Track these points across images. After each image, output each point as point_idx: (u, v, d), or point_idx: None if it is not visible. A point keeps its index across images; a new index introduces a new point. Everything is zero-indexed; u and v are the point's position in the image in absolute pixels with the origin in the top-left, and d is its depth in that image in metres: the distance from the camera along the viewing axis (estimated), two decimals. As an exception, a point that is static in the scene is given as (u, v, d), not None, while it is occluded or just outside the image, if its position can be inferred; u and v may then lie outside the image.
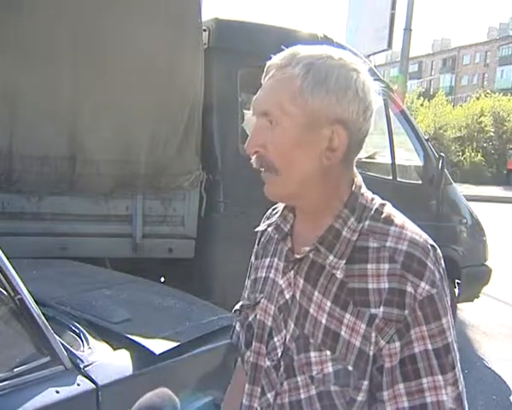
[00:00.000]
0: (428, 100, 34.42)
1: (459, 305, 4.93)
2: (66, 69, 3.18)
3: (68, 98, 3.20)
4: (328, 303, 0.95)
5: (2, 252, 1.55)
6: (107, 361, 1.72)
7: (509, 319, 5.82)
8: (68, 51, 3.18)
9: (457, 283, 4.62)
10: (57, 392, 1.50)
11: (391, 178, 4.33)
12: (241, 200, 3.64)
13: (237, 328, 1.16)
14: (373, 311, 0.90)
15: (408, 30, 10.76)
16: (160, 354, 1.78)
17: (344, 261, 0.95)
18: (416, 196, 4.42)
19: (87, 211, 3.39)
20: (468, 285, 4.69)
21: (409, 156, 4.83)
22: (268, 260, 1.10)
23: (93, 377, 1.60)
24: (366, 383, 0.91)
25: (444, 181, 4.43)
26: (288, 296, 1.01)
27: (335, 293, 0.94)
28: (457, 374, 0.91)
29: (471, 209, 4.91)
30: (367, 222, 0.96)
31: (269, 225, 1.11)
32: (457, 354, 0.92)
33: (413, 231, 0.95)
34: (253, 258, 1.18)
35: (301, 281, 0.99)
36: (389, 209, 0.99)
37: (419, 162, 4.60)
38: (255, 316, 1.07)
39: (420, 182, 4.59)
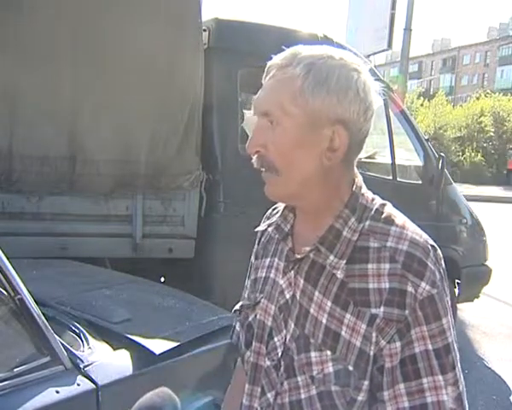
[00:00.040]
0: (428, 100, 34.42)
1: (459, 305, 4.93)
2: (66, 69, 3.18)
3: (68, 98, 3.20)
4: (329, 303, 0.95)
5: (2, 252, 1.55)
6: (107, 361, 1.72)
7: (509, 319, 5.82)
8: (68, 51, 3.18)
9: (457, 283, 4.62)
10: (57, 392, 1.50)
11: (391, 178, 4.33)
12: (241, 200, 3.64)
13: (237, 328, 1.17)
14: (373, 311, 0.90)
15: (408, 30, 10.76)
16: (160, 354, 1.78)
17: (344, 261, 0.95)
18: (415, 196, 4.42)
19: (87, 211, 3.39)
20: (468, 285, 4.69)
21: (409, 156, 4.83)
22: (268, 260, 1.10)
23: (93, 377, 1.60)
24: (366, 383, 0.92)
25: (444, 181, 4.43)
26: (288, 296, 1.01)
27: (336, 293, 0.94)
28: (458, 374, 0.91)
29: (471, 209, 4.91)
30: (367, 222, 0.97)
31: (269, 225, 1.11)
32: (458, 354, 0.92)
33: (413, 231, 0.95)
34: (252, 258, 1.18)
35: (302, 281, 0.99)
36: (390, 209, 0.99)
37: (419, 162, 4.60)
38: (255, 316, 1.07)
39: (420, 182, 4.59)
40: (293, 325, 0.99)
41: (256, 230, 1.18)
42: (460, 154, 27.90)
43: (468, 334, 5.31)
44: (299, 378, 0.97)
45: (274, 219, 1.10)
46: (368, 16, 11.79)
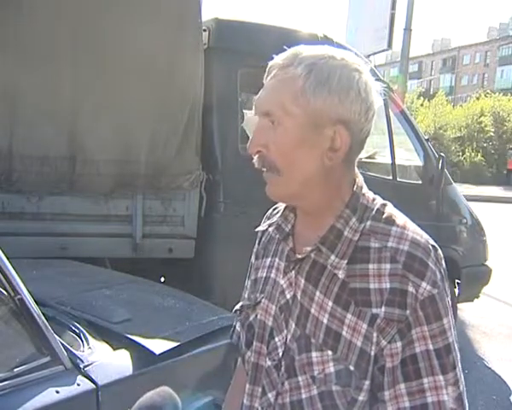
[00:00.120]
0: (428, 100, 34.42)
1: (459, 305, 4.93)
2: (66, 69, 3.18)
3: (68, 98, 3.20)
4: (330, 303, 0.95)
5: (3, 252, 1.55)
6: (107, 361, 1.72)
7: (509, 319, 5.82)
8: (68, 51, 3.18)
9: (457, 283, 4.62)
10: (57, 392, 1.50)
11: (391, 178, 4.33)
12: (241, 200, 3.64)
13: (238, 328, 1.17)
14: (374, 311, 0.90)
15: (408, 30, 10.76)
16: (160, 354, 1.78)
17: (345, 261, 0.95)
18: (416, 196, 4.42)
19: (87, 211, 3.39)
20: (468, 285, 4.69)
21: (409, 156, 4.83)
22: (269, 260, 1.10)
23: (93, 377, 1.60)
24: (367, 382, 0.92)
25: (444, 181, 4.43)
26: (289, 296, 1.01)
27: (337, 293, 0.94)
28: (458, 374, 0.91)
29: (471, 209, 4.91)
30: (368, 222, 0.97)
31: (270, 225, 1.11)
32: (458, 354, 0.92)
33: (414, 231, 0.95)
34: (253, 258, 1.18)
35: (302, 281, 0.99)
36: (390, 209, 0.99)
37: (419, 162, 4.60)
38: (256, 316, 1.07)
39: (420, 182, 4.59)
40: (294, 325, 0.99)
41: (256, 230, 1.18)
42: (460, 154, 27.88)
43: (468, 334, 5.31)
44: (299, 378, 0.97)
45: (274, 219, 1.10)
46: (368, 16, 11.79)
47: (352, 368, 0.92)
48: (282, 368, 1.00)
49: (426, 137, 4.80)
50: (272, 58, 0.98)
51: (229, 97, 3.73)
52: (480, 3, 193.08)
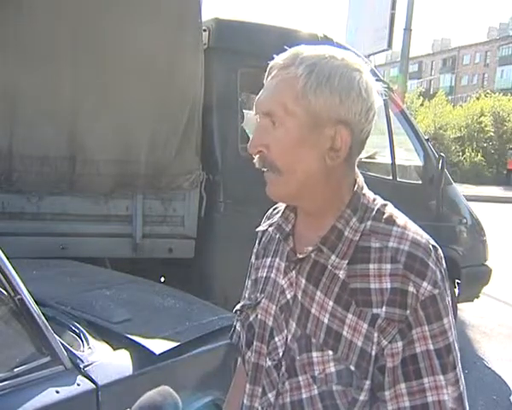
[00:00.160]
0: (428, 100, 34.41)
1: (459, 305, 4.93)
2: (66, 69, 3.18)
3: (68, 98, 3.20)
4: (331, 303, 0.95)
5: (3, 252, 1.55)
6: (107, 361, 1.72)
7: (509, 319, 5.82)
8: (68, 51, 3.18)
9: (457, 283, 4.62)
10: (57, 392, 1.50)
11: (391, 178, 4.33)
12: (242, 200, 3.64)
13: (238, 328, 1.17)
14: (375, 311, 0.90)
15: (408, 30, 10.76)
16: (160, 354, 1.78)
17: (346, 261, 0.95)
18: (415, 196, 4.42)
19: (87, 211, 3.39)
20: (468, 285, 4.69)
21: (409, 156, 4.83)
22: (269, 259, 1.10)
23: (93, 377, 1.60)
24: (368, 382, 0.92)
25: (444, 181, 4.43)
26: (289, 296, 1.01)
27: (337, 293, 0.94)
28: (458, 374, 0.91)
29: (471, 209, 4.91)
30: (369, 222, 0.97)
31: (270, 225, 1.11)
32: (458, 354, 0.92)
33: (415, 231, 0.95)
34: (253, 258, 1.18)
35: (303, 281, 0.99)
36: (391, 210, 0.99)
37: (419, 162, 4.60)
38: (256, 316, 1.07)
39: (420, 182, 4.60)
40: (294, 325, 0.99)
41: (257, 230, 1.18)
42: (460, 154, 27.85)
43: (468, 334, 5.31)
44: (300, 378, 0.97)
45: (275, 219, 1.10)
46: (368, 16, 11.80)
47: (352, 368, 0.92)
48: (283, 368, 1.00)
49: (426, 137, 4.80)
50: (272, 58, 0.98)
51: (229, 97, 3.73)
52: (480, 3, 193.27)
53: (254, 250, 1.18)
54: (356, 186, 0.99)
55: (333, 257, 0.95)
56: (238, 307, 1.15)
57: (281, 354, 1.00)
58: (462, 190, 8.30)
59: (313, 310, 0.97)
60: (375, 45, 11.37)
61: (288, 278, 1.02)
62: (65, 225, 3.33)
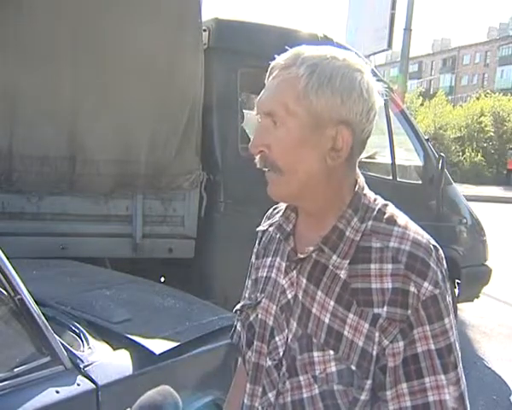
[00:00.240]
0: (428, 100, 34.40)
1: (459, 305, 4.93)
2: (66, 69, 3.18)
3: (68, 98, 3.20)
4: (332, 303, 0.95)
5: (3, 252, 1.55)
6: (107, 361, 1.72)
7: (509, 319, 5.82)
8: (68, 51, 3.18)
9: (457, 283, 4.62)
10: (57, 392, 1.50)
11: (391, 178, 4.33)
12: (242, 200, 3.64)
13: (238, 328, 1.17)
14: (376, 311, 0.91)
15: (408, 30, 10.76)
16: (160, 354, 1.78)
17: (347, 261, 0.95)
18: (416, 196, 4.42)
19: (87, 211, 3.39)
20: (468, 285, 4.69)
21: (409, 156, 4.83)
22: (269, 259, 1.10)
23: (93, 377, 1.60)
24: (369, 382, 0.92)
25: (444, 181, 4.43)
26: (290, 296, 1.01)
27: (339, 293, 0.94)
28: (459, 373, 0.91)
29: (471, 209, 4.91)
30: (370, 222, 0.97)
31: (270, 225, 1.12)
32: (459, 354, 0.93)
33: (416, 231, 0.95)
34: (253, 258, 1.18)
35: (304, 281, 0.99)
36: (392, 210, 0.99)
37: (419, 162, 4.60)
38: (256, 316, 1.07)
39: (420, 182, 4.60)
40: (295, 325, 0.99)
41: (257, 230, 1.18)
42: (460, 154, 27.85)
43: (468, 334, 5.31)
44: (301, 378, 0.97)
45: (275, 218, 1.10)
46: (368, 16, 11.80)
47: (353, 368, 0.92)
48: (283, 368, 1.00)
49: (426, 137, 4.80)
50: (272, 58, 0.98)
51: (229, 97, 3.73)
52: (480, 3, 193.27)
53: (254, 250, 1.18)
54: (357, 186, 0.99)
55: (334, 257, 0.96)
56: (238, 306, 1.15)
57: (281, 353, 1.00)
58: (462, 190, 8.30)
59: (314, 310, 0.97)
60: (375, 45, 11.37)
61: (288, 277, 1.02)
62: (65, 225, 3.33)
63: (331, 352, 0.94)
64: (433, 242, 0.95)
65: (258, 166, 0.98)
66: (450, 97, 43.66)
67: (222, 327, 2.04)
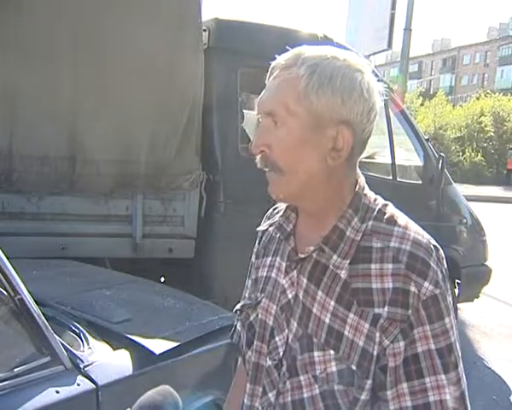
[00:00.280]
0: (428, 100, 34.41)
1: (459, 305, 4.93)
2: (66, 69, 3.18)
3: (68, 98, 3.20)
4: (332, 303, 0.95)
5: (3, 252, 1.55)
6: (107, 361, 1.72)
7: (509, 319, 5.82)
8: (68, 51, 3.18)
9: (457, 283, 4.62)
10: (57, 392, 1.50)
11: (391, 178, 4.33)
12: (242, 200, 3.64)
13: (238, 328, 1.17)
14: (377, 311, 0.91)
15: (408, 30, 10.75)
16: (160, 354, 1.78)
17: (348, 261, 0.95)
18: (416, 196, 4.42)
19: (87, 211, 3.39)
20: (468, 285, 4.69)
21: (409, 156, 4.83)
22: (269, 259, 1.10)
23: (93, 377, 1.60)
24: (370, 382, 0.92)
25: (444, 181, 4.43)
26: (290, 296, 1.01)
27: (339, 293, 0.95)
28: (460, 373, 0.91)
29: (471, 209, 4.91)
30: (370, 222, 0.97)
31: (270, 225, 1.12)
32: (460, 354, 0.93)
33: (416, 231, 0.95)
34: (253, 257, 1.18)
35: (304, 280, 0.99)
36: (392, 210, 1.00)
37: (419, 162, 4.60)
38: (256, 315, 1.07)
39: (420, 182, 4.60)
40: (295, 325, 0.99)
41: (257, 229, 1.18)
42: (460, 154, 27.86)
43: (468, 334, 5.31)
44: (301, 378, 0.97)
45: (275, 218, 1.10)
46: (368, 16, 11.80)
47: (354, 368, 0.92)
48: (283, 367, 1.00)
49: (426, 137, 4.80)
50: (272, 58, 0.98)
51: (229, 97, 3.73)
52: (480, 3, 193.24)
53: (254, 250, 1.18)
54: (357, 186, 0.99)
55: (334, 257, 0.96)
56: (238, 306, 1.15)
57: (281, 353, 1.00)
58: (462, 190, 8.30)
59: (315, 310, 0.97)
60: (375, 45, 11.37)
61: (289, 277, 1.02)
62: (65, 225, 3.33)
63: (331, 352, 0.94)
64: (433, 242, 0.95)
65: (258, 166, 0.99)
66: (450, 97, 43.66)
67: (222, 327, 2.04)
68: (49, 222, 3.31)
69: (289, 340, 0.99)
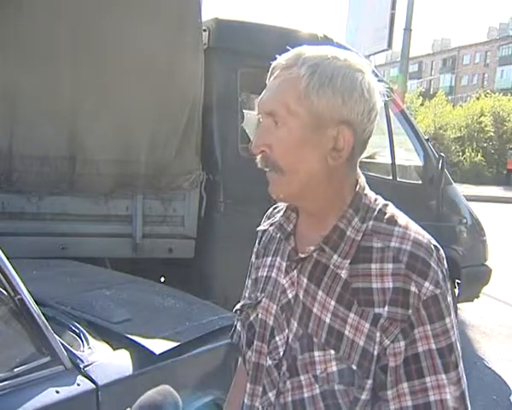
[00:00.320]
0: (428, 100, 34.40)
1: (459, 305, 4.93)
2: (66, 69, 3.18)
3: (68, 98, 3.20)
4: (333, 303, 0.95)
5: (3, 252, 1.55)
6: (107, 361, 1.72)
7: (509, 319, 5.82)
8: (68, 51, 3.18)
9: (457, 283, 4.62)
10: (57, 392, 1.50)
11: (391, 178, 4.33)
12: (242, 200, 3.64)
13: (238, 327, 1.17)
14: (377, 310, 0.91)
15: (408, 30, 10.76)
16: (160, 354, 1.78)
17: (348, 261, 0.95)
18: (416, 196, 4.42)
19: (87, 211, 3.39)
20: (468, 285, 4.69)
21: (409, 156, 4.83)
22: (269, 259, 1.10)
23: (93, 377, 1.60)
24: (370, 382, 0.92)
25: (444, 181, 4.43)
26: (290, 296, 1.01)
27: (339, 292, 0.95)
28: (460, 373, 0.91)
29: (471, 209, 4.91)
30: (371, 222, 0.97)
31: (270, 225, 1.12)
32: (460, 354, 0.93)
33: (416, 231, 0.95)
34: (253, 257, 1.18)
35: (305, 280, 0.99)
36: (392, 210, 1.00)
37: (419, 162, 4.60)
38: (256, 315, 1.07)
39: (420, 182, 4.60)
40: (296, 325, 0.99)
41: (258, 229, 1.18)
42: (460, 154, 27.85)
43: (468, 334, 5.31)
44: (301, 377, 0.97)
45: (276, 218, 1.10)
46: (368, 16, 11.80)
47: (354, 367, 0.92)
48: (284, 367, 1.00)
49: (426, 137, 4.80)
50: (272, 58, 0.98)
51: (229, 97, 3.73)
52: (480, 3, 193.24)
53: (254, 249, 1.18)
54: (358, 186, 1.00)
55: (335, 257, 0.96)
56: (238, 306, 1.15)
57: (281, 353, 1.00)
58: (462, 190, 8.30)
59: (315, 309, 0.97)
60: (375, 45, 11.38)
61: (289, 277, 1.02)
62: (65, 225, 3.33)
63: (332, 351, 0.94)
64: (433, 242, 0.95)
65: (259, 166, 0.99)
66: (450, 97, 43.65)
67: (222, 327, 2.04)
68: (49, 222, 3.31)
69: (289, 340, 0.99)
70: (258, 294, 1.09)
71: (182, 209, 3.63)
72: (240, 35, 3.78)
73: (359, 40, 11.65)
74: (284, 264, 1.04)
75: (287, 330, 1.00)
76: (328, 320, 0.95)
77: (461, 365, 0.92)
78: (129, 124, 3.35)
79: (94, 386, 1.58)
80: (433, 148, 4.71)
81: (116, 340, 1.83)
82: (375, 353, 0.91)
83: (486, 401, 3.88)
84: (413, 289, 0.89)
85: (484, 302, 5.68)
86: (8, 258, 1.55)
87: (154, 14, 3.37)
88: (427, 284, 0.89)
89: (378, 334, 0.90)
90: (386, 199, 1.03)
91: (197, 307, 2.41)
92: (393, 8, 10.70)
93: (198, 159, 3.58)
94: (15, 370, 1.48)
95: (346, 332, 0.93)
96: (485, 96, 33.36)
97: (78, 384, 1.56)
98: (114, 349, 1.79)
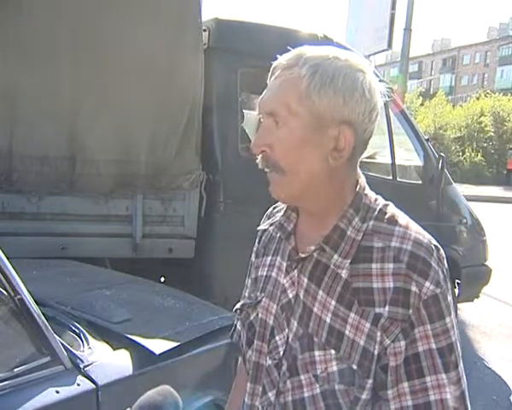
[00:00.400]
0: (428, 100, 34.40)
1: (459, 305, 4.93)
2: (66, 69, 3.18)
3: (68, 98, 3.20)
4: (333, 302, 0.95)
5: (3, 252, 1.55)
6: (107, 361, 1.72)
7: (509, 319, 5.82)
8: (68, 51, 3.18)
9: (457, 283, 4.62)
10: (57, 392, 1.50)
11: (391, 178, 4.33)
12: (242, 200, 3.65)
13: (238, 327, 1.17)
14: (378, 310, 0.91)
15: (408, 30, 10.76)
16: (160, 354, 1.78)
17: (349, 261, 0.95)
18: (416, 196, 4.42)
19: (87, 211, 3.39)
20: (468, 285, 4.69)
21: (409, 156, 4.83)
22: (270, 258, 1.10)
23: (93, 377, 1.60)
24: (370, 381, 0.92)
25: (444, 181, 4.43)
26: (291, 295, 1.01)
27: (340, 292, 0.95)
28: (460, 373, 0.91)
29: (471, 209, 4.91)
30: (371, 222, 0.97)
31: (271, 224, 1.12)
32: (460, 353, 0.93)
33: (417, 231, 0.95)
34: (253, 257, 1.18)
35: (305, 280, 0.99)
36: (392, 210, 1.00)
37: (419, 162, 4.60)
38: (257, 315, 1.07)
39: (420, 182, 4.60)
40: (296, 324, 0.99)
41: (258, 229, 1.18)
42: (460, 154, 27.85)
43: (468, 334, 5.31)
44: (302, 377, 0.97)
45: (276, 218, 1.10)
46: (368, 16, 11.81)
47: (354, 367, 0.92)
48: (284, 367, 1.00)
49: (426, 137, 4.80)
50: (273, 58, 0.98)
51: (229, 97, 3.73)
52: (480, 3, 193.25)
53: (254, 249, 1.18)
54: (358, 186, 1.00)
55: (335, 256, 0.96)
56: (238, 305, 1.15)
57: (281, 352, 1.00)
58: (462, 190, 8.30)
59: (315, 309, 0.97)
60: (375, 45, 11.38)
61: (289, 277, 1.02)
62: (65, 225, 3.33)
63: (332, 351, 0.94)
64: (434, 242, 0.95)
65: (260, 166, 0.99)
66: (450, 97, 43.64)
67: (222, 327, 2.04)
68: (49, 222, 3.31)
69: (290, 339, 0.99)
70: (259, 293, 1.09)
71: (182, 209, 3.63)
72: (240, 35, 3.78)
73: (359, 40, 11.65)
74: (284, 264, 1.04)
75: (287, 330, 1.00)
76: (328, 320, 0.95)
77: (461, 364, 0.92)
78: (129, 124, 3.35)
79: (94, 386, 1.58)
80: (433, 148, 4.71)
81: (116, 340, 1.83)
82: (376, 352, 0.91)
83: (486, 401, 3.88)
84: (414, 288, 0.89)
85: (484, 302, 5.68)
86: (8, 258, 1.55)
87: (154, 14, 3.37)
88: (427, 283, 0.89)
89: (378, 334, 0.90)
90: (386, 199, 1.03)
91: (197, 307, 2.41)
92: (393, 8, 10.71)
93: (198, 159, 3.58)
94: (15, 370, 1.48)
95: (347, 332, 0.93)
96: (485, 96, 33.35)
97: (78, 384, 1.56)
98: (114, 349, 1.79)
